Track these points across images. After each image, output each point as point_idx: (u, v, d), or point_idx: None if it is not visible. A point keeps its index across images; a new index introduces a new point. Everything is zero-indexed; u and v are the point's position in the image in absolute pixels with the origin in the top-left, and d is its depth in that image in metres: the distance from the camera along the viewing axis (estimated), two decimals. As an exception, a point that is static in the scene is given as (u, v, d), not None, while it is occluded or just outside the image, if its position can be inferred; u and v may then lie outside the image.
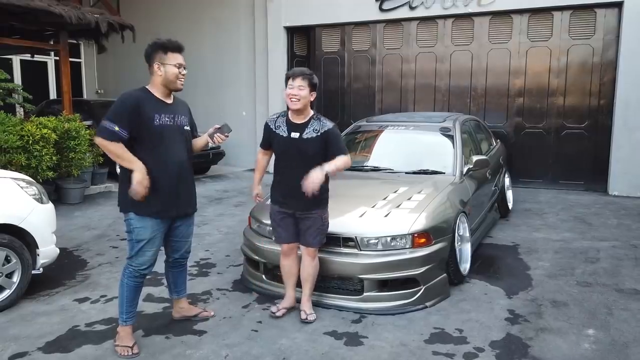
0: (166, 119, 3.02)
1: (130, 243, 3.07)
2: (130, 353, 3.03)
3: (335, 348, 3.15)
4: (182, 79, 3.06)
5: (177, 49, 3.05)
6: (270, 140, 3.53)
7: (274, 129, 3.48)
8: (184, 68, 3.07)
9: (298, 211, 3.44)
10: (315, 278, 3.59)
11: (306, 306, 3.57)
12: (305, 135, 3.37)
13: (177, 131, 3.09)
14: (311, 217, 3.44)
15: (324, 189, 3.39)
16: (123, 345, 3.06)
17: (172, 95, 3.14)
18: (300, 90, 3.31)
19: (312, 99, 3.40)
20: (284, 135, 3.42)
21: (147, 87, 3.07)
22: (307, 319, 3.48)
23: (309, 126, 3.39)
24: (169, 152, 3.03)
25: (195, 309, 3.60)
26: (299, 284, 3.64)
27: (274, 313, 3.58)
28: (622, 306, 3.73)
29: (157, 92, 3.05)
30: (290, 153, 3.39)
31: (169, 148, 3.04)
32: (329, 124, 3.42)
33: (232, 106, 10.91)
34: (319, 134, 3.36)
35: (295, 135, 3.38)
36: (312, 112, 3.45)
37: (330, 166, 3.28)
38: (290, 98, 3.33)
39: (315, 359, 3.02)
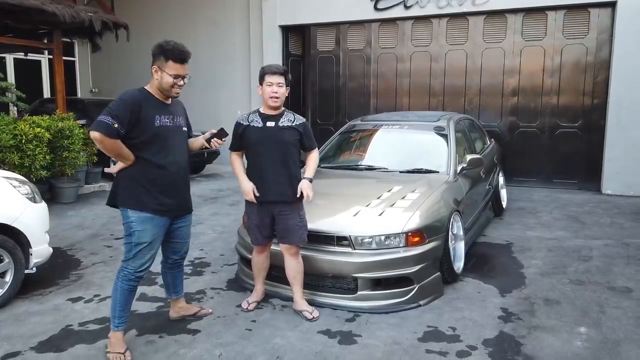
0: (166, 119, 3.00)
1: (128, 246, 3.02)
2: None
3: (329, 347, 3.15)
4: (178, 89, 3.01)
5: (180, 60, 2.94)
6: (242, 137, 3.50)
7: (246, 124, 3.50)
8: (183, 78, 2.99)
9: (275, 200, 3.44)
10: (302, 275, 3.61)
11: (304, 305, 3.59)
12: (280, 124, 3.44)
13: (176, 132, 3.08)
14: (289, 213, 3.46)
15: (299, 180, 3.49)
16: (115, 352, 2.99)
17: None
18: (280, 88, 3.41)
19: (286, 94, 3.50)
20: (259, 126, 3.46)
21: (146, 87, 3.02)
22: (313, 318, 3.50)
23: (283, 117, 3.49)
24: (169, 152, 3.02)
25: (194, 308, 3.60)
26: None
27: (245, 308, 3.67)
28: (614, 304, 3.75)
29: (155, 93, 3.01)
30: (266, 142, 3.43)
31: (169, 148, 3.03)
32: (302, 118, 3.57)
33: (227, 105, 10.89)
34: (293, 124, 3.48)
35: (270, 124, 3.44)
36: (283, 107, 3.57)
37: (311, 172, 3.51)
38: (272, 97, 3.40)
39: (309, 358, 3.02)
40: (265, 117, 3.47)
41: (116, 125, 2.79)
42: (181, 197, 3.15)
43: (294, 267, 3.57)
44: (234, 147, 3.58)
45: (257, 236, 3.59)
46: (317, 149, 3.64)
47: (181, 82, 2.99)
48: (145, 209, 2.97)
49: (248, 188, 3.47)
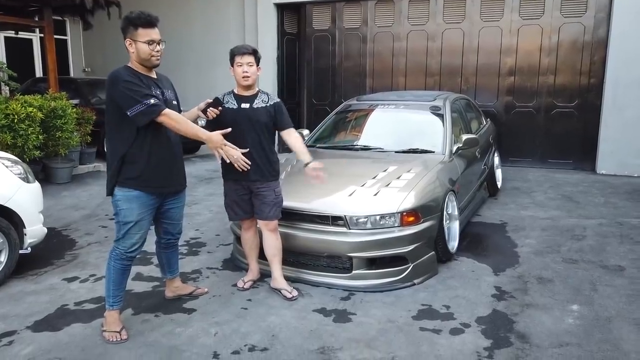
0: (157, 93, 2.95)
1: (117, 225, 3.01)
2: (118, 339, 2.98)
3: (324, 325, 3.18)
4: (157, 55, 2.91)
5: (148, 24, 2.84)
6: (217, 118, 3.41)
7: (223, 103, 3.49)
8: (159, 43, 2.89)
9: (254, 180, 3.45)
10: (281, 252, 3.62)
11: (284, 284, 3.60)
12: (255, 105, 3.49)
13: (167, 106, 3.01)
14: (266, 190, 3.49)
15: (275, 160, 3.55)
16: (111, 331, 3.00)
17: (153, 71, 3.04)
18: (250, 67, 3.44)
19: (258, 74, 3.56)
20: (234, 107, 3.48)
21: (128, 65, 2.95)
22: (293, 297, 3.52)
23: (257, 98, 3.53)
24: (163, 127, 2.94)
25: (190, 287, 3.63)
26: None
27: (240, 287, 3.70)
28: (606, 282, 3.79)
29: (139, 68, 2.94)
30: (242, 123, 3.44)
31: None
32: (276, 98, 3.62)
33: (222, 85, 10.60)
34: (267, 104, 3.52)
35: (245, 105, 3.48)
36: (257, 88, 3.60)
37: (307, 154, 3.52)
38: (243, 77, 3.44)
39: (304, 336, 3.05)
40: (239, 98, 3.51)
41: (152, 101, 2.78)
42: (172, 173, 3.10)
43: (272, 244, 3.60)
44: (207, 128, 3.42)
45: (237, 212, 3.64)
46: (294, 128, 3.61)
47: (157, 48, 2.89)
48: (130, 187, 2.92)
49: (237, 153, 3.31)
